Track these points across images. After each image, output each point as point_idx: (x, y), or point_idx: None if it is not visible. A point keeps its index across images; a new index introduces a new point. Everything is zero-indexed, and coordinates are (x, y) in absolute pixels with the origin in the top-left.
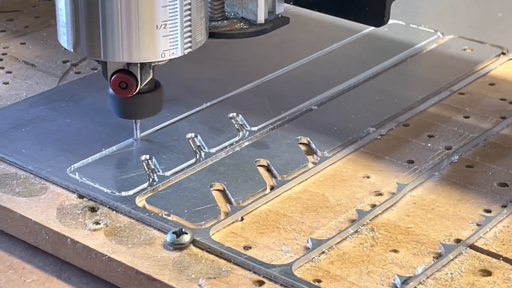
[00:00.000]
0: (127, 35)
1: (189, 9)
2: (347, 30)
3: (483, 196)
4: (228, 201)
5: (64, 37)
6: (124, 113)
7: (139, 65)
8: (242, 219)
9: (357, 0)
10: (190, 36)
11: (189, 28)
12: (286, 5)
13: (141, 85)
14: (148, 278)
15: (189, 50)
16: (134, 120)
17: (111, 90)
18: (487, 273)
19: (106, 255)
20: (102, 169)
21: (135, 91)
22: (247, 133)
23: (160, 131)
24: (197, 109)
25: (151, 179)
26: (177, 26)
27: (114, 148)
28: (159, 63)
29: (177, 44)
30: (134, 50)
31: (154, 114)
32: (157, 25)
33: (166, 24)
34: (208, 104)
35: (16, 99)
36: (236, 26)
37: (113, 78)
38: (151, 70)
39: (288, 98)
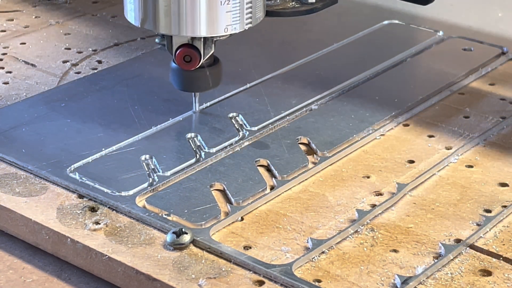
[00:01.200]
0: (192, 11)
1: None
2: (347, 30)
3: (483, 196)
4: (228, 201)
5: (132, 13)
6: (185, 86)
7: (202, 39)
8: (242, 219)
9: None
10: (250, 12)
11: (250, 5)
12: None
13: (204, 58)
14: (148, 278)
15: (250, 25)
16: (193, 94)
17: (173, 64)
18: (487, 273)
19: (106, 255)
20: (102, 169)
21: (198, 64)
22: (247, 133)
23: (160, 131)
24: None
25: (151, 179)
26: (239, 2)
27: (114, 148)
28: (221, 37)
29: (239, 20)
30: (198, 25)
31: (212, 87)
32: (221, 1)
33: (229, 0)
34: (208, 104)
35: (16, 99)
36: (289, 5)
37: (178, 52)
38: (213, 45)
39: (288, 98)
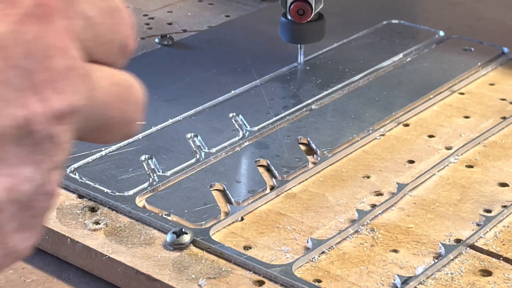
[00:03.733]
0: None
1: None
2: (347, 30)
3: (483, 196)
4: (228, 201)
5: None
6: (293, 39)
7: None
8: (242, 219)
9: None
10: None
11: None
12: None
13: (314, 11)
14: (148, 278)
15: None
16: (299, 46)
17: (282, 19)
18: (487, 273)
19: (106, 255)
20: (102, 169)
21: (310, 17)
22: (247, 133)
23: (160, 131)
24: (197, 109)
25: (151, 179)
26: None
27: (114, 148)
28: None
29: None
30: None
31: (317, 40)
32: None
33: None
34: (208, 104)
35: None
36: None
37: (292, 6)
38: (322, 0)
39: (288, 98)
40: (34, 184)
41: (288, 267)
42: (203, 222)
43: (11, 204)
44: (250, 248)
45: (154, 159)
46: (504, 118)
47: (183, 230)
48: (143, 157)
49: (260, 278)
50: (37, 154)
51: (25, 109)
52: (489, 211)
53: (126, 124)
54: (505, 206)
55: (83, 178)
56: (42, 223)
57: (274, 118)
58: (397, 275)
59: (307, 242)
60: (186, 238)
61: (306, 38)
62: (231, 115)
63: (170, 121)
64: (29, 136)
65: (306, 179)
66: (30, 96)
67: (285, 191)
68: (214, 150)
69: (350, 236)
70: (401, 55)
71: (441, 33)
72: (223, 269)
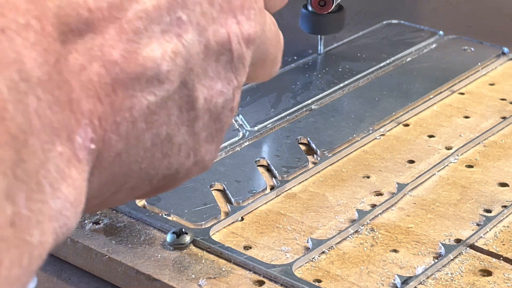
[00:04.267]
0: None
1: None
2: (347, 30)
3: (483, 196)
4: (228, 201)
5: None
6: (313, 30)
7: None
8: (242, 219)
9: None
10: None
11: None
12: None
13: (335, 3)
14: (148, 278)
15: None
16: (319, 36)
17: (303, 10)
18: (487, 273)
19: (106, 255)
20: None
21: (331, 8)
22: (247, 133)
23: None
24: None
25: None
26: None
27: None
28: None
29: None
30: None
31: (337, 31)
32: None
33: None
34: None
35: None
36: None
37: None
38: None
39: (288, 98)
40: (224, 99)
41: (288, 267)
42: (203, 222)
43: (206, 113)
44: (250, 248)
45: None
46: (504, 118)
47: (183, 230)
48: None
49: (260, 278)
50: (229, 72)
51: (226, 28)
52: (489, 211)
53: (275, 62)
54: (505, 206)
55: None
56: (222, 140)
57: (274, 118)
58: (397, 275)
59: (307, 242)
60: (186, 238)
61: (327, 29)
62: None
63: None
64: (226, 53)
65: (306, 179)
66: (229, 18)
67: (285, 191)
68: None
69: (350, 236)
70: (401, 55)
71: (441, 33)
72: (223, 269)
